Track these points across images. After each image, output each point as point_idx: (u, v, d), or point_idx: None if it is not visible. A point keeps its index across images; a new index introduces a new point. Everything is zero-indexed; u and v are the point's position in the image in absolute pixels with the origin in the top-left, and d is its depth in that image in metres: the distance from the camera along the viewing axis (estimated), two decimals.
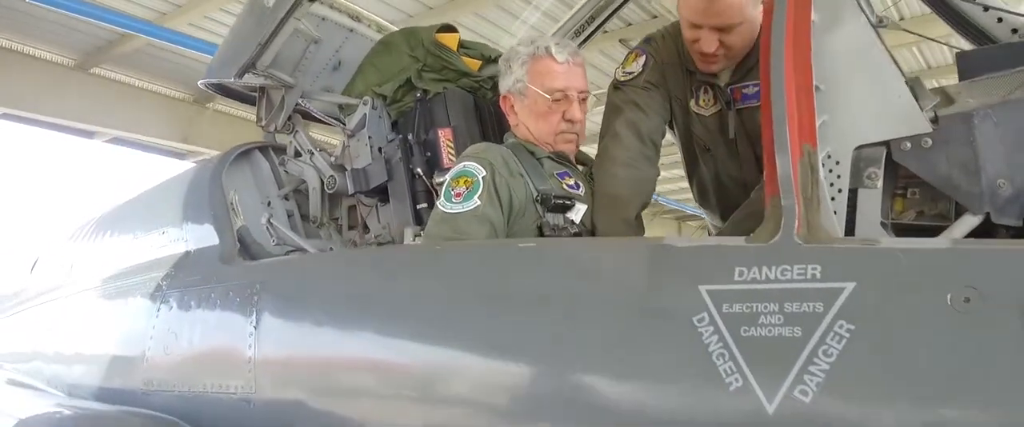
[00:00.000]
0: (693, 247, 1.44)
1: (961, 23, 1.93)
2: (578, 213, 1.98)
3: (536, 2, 6.87)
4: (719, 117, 2.20)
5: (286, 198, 2.71)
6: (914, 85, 1.45)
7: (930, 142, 1.39)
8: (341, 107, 2.65)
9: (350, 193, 2.52)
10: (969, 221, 1.37)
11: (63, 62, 8.47)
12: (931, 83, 1.80)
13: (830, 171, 1.39)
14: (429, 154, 2.38)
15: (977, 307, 1.12)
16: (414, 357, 1.70)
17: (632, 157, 2.10)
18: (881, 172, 1.42)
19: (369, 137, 2.50)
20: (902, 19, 6.09)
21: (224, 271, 2.26)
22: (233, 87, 2.61)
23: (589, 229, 2.02)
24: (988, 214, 1.36)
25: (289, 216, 2.66)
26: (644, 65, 2.20)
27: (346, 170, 2.53)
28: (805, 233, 1.28)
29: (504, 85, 2.17)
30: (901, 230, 1.53)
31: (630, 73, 2.20)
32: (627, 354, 1.40)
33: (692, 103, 2.23)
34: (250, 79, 2.46)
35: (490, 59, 2.59)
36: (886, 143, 1.43)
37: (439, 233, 1.91)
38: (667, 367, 1.36)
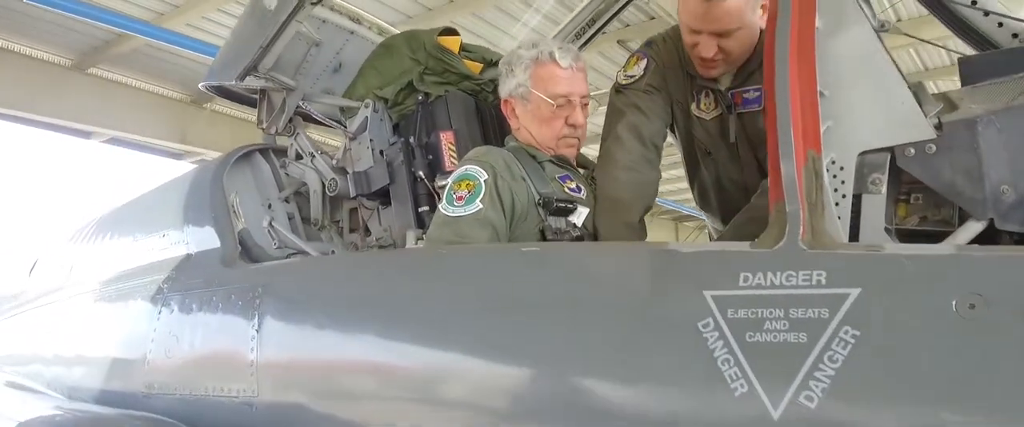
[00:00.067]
0: (698, 252, 1.44)
1: (961, 27, 1.93)
2: (580, 217, 1.99)
3: (536, 5, 6.87)
4: (720, 121, 2.21)
5: (287, 201, 2.70)
6: (917, 91, 1.45)
7: (934, 148, 1.40)
8: (342, 110, 2.65)
9: (351, 196, 2.52)
10: (973, 227, 1.38)
11: (60, 62, 8.43)
12: (930, 85, 1.80)
13: (834, 177, 1.39)
14: (431, 157, 2.38)
15: (982, 313, 1.12)
16: (417, 361, 1.70)
17: (634, 160, 2.10)
18: (885, 178, 1.42)
19: (371, 140, 2.50)
20: (899, 20, 6.10)
21: (226, 274, 2.26)
22: (234, 89, 2.60)
23: (591, 233, 2.02)
24: (992, 220, 1.37)
25: (289, 218, 2.66)
26: (646, 68, 2.20)
27: (347, 173, 2.52)
28: (810, 239, 1.29)
29: (506, 89, 2.17)
30: (904, 236, 1.53)
31: (632, 76, 2.21)
32: (632, 359, 1.40)
33: (693, 107, 2.23)
34: (251, 82, 2.46)
35: (492, 62, 2.58)
36: (890, 149, 1.43)
37: (441, 236, 1.91)
38: (672, 373, 1.36)
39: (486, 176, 1.93)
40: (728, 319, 1.29)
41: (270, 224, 2.48)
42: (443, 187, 2.07)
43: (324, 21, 2.56)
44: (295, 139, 2.65)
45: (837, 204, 1.37)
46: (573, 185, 2.09)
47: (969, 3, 1.86)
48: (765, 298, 1.27)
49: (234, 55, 2.45)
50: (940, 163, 1.40)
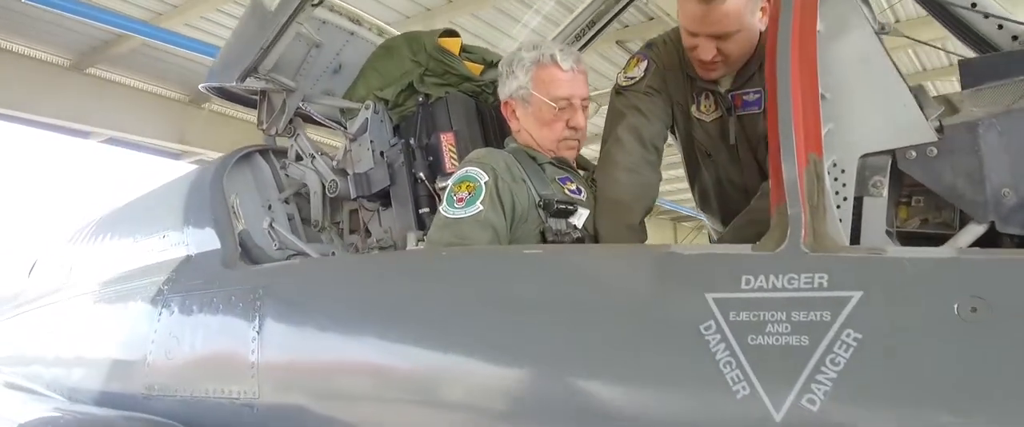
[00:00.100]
0: (699, 255, 1.44)
1: (961, 29, 1.93)
2: (580, 218, 1.99)
3: (535, 6, 6.87)
4: (720, 123, 2.21)
5: (287, 202, 2.70)
6: (918, 94, 1.46)
7: (935, 151, 1.40)
8: (342, 111, 2.65)
9: (352, 197, 2.52)
10: (974, 230, 1.38)
11: (58, 62, 8.43)
12: (928, 86, 1.81)
13: (836, 179, 1.40)
14: (431, 158, 2.38)
15: (984, 316, 1.13)
16: (418, 363, 1.70)
17: (635, 162, 2.10)
18: (886, 180, 1.42)
19: (371, 141, 2.50)
20: (898, 21, 6.11)
21: (226, 275, 2.26)
22: (234, 90, 2.60)
23: (591, 234, 2.02)
24: (993, 223, 1.37)
25: (290, 220, 2.66)
26: (646, 70, 2.20)
27: (348, 174, 2.52)
28: (812, 242, 1.29)
29: (506, 90, 2.17)
30: (905, 238, 1.53)
31: (632, 78, 2.21)
32: (634, 362, 1.40)
33: (693, 109, 2.23)
34: (252, 83, 2.46)
35: (492, 64, 2.58)
36: (891, 152, 1.43)
37: (442, 238, 1.91)
38: (674, 375, 1.36)
39: (487, 178, 1.93)
40: (730, 322, 1.29)
41: (270, 225, 2.48)
42: (444, 189, 2.07)
43: (324, 22, 2.56)
44: (295, 140, 2.65)
45: (838, 207, 1.38)
46: (573, 187, 2.09)
47: (969, 5, 1.86)
48: (767, 301, 1.27)
49: (234, 56, 2.45)
50: (941, 166, 1.40)
